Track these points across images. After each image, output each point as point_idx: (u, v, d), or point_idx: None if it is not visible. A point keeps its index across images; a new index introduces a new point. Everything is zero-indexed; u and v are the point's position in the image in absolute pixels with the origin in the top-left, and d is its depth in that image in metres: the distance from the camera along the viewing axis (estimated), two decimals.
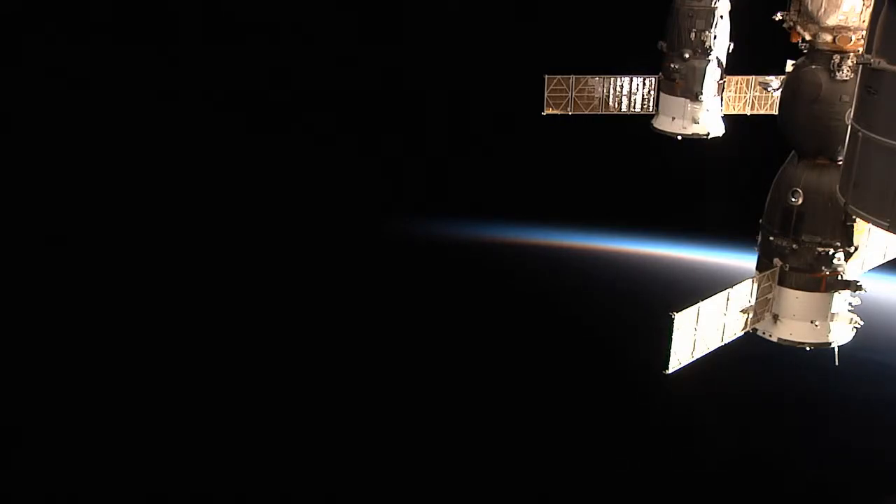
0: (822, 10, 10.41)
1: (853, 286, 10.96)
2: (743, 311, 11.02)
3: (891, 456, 25.28)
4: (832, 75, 10.47)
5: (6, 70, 27.60)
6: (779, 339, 11.29)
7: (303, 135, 30.53)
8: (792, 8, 10.80)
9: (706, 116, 14.98)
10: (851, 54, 10.39)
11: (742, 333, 11.24)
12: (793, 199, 10.76)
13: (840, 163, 9.90)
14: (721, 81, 14.98)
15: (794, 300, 11.08)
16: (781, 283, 11.11)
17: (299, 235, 30.49)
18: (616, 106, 15.51)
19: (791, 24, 10.82)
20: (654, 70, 15.24)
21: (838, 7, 10.37)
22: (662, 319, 10.30)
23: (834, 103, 10.44)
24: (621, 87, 15.43)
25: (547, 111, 15.34)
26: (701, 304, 10.50)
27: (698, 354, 10.75)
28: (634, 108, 15.55)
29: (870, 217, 8.36)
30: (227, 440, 26.14)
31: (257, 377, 27.63)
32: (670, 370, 10.54)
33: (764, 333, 11.39)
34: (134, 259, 29.20)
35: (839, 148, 10.17)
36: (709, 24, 14.36)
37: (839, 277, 10.89)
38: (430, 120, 30.50)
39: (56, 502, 24.80)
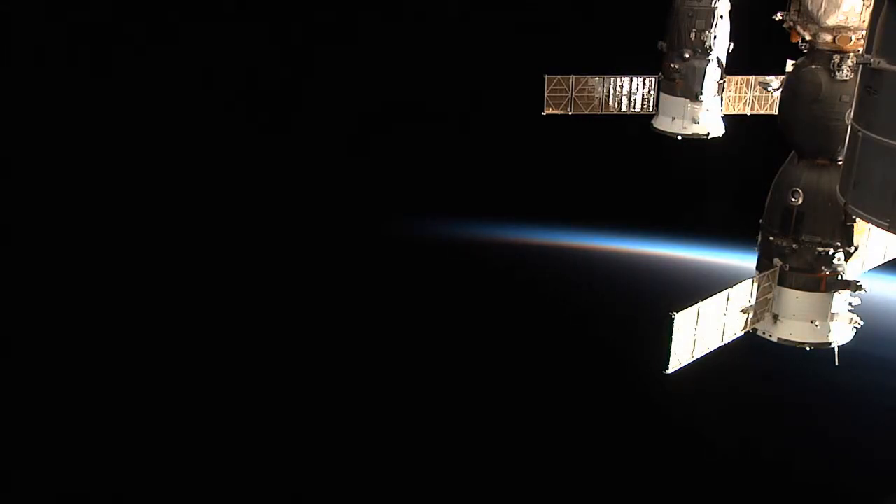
0: (822, 10, 10.41)
1: (853, 286, 10.96)
2: (743, 311, 11.02)
3: (891, 455, 25.27)
4: (832, 75, 10.48)
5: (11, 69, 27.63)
6: (779, 339, 11.30)
7: (302, 135, 30.53)
8: (792, 8, 10.81)
9: (706, 116, 14.98)
10: (851, 54, 10.39)
11: (742, 333, 11.24)
12: (793, 199, 10.76)
13: (840, 163, 9.90)
14: (721, 81, 14.97)
15: (794, 300, 11.08)
16: (781, 283, 11.11)
17: (300, 236, 30.50)
18: (616, 106, 15.50)
19: (791, 24, 10.83)
20: (654, 70, 15.24)
21: (838, 7, 10.37)
22: (662, 319, 10.30)
23: (834, 103, 10.45)
24: (621, 87, 15.42)
25: (547, 111, 15.33)
26: (701, 304, 10.50)
27: (698, 354, 10.75)
28: (634, 108, 15.54)
29: (870, 217, 8.37)
30: (227, 440, 26.14)
31: (258, 377, 27.64)
32: (670, 370, 10.55)
33: (764, 333, 11.39)
34: (135, 259, 29.20)
35: (839, 148, 10.18)
36: (709, 24, 14.36)
37: (839, 277, 10.89)
38: (431, 120, 30.49)
39: (57, 502, 24.83)
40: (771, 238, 11.13)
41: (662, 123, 15.33)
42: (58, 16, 28.12)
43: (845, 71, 10.40)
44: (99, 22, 28.43)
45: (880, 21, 7.96)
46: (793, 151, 11.15)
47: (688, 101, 14.84)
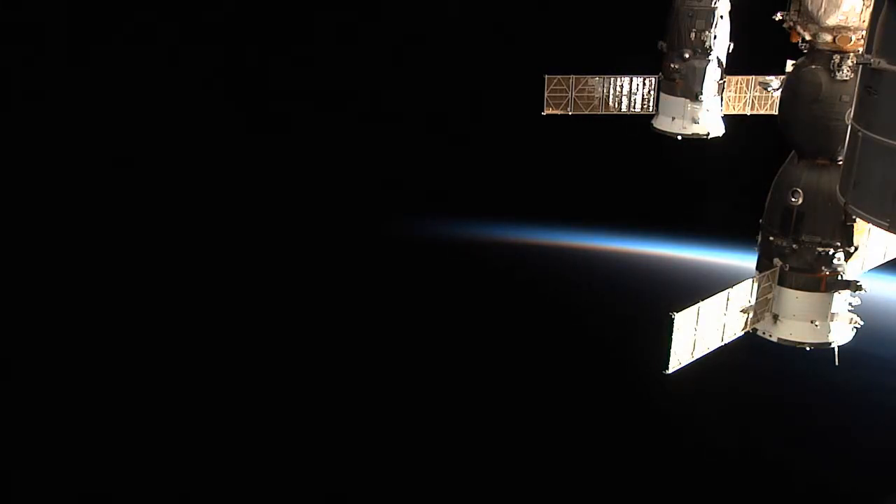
0: (822, 10, 10.41)
1: (853, 286, 10.96)
2: (743, 311, 11.02)
3: (891, 455, 25.28)
4: (832, 75, 10.47)
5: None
6: (779, 339, 11.30)
7: (302, 134, 30.53)
8: (792, 8, 10.81)
9: (706, 116, 14.98)
10: (851, 54, 10.39)
11: (742, 333, 11.24)
12: (793, 199, 10.76)
13: (840, 163, 9.90)
14: (721, 81, 14.98)
15: (794, 300, 11.08)
16: (781, 283, 11.11)
17: (300, 235, 30.50)
18: (616, 106, 15.50)
19: (791, 24, 10.83)
20: (654, 70, 15.24)
21: (838, 7, 10.38)
22: (662, 319, 10.30)
23: (834, 103, 10.45)
24: (621, 87, 15.43)
25: (547, 111, 15.34)
26: (701, 304, 10.50)
27: (698, 354, 10.75)
28: (634, 108, 15.55)
29: (870, 217, 8.36)
30: (226, 440, 26.13)
31: (257, 377, 27.63)
32: (670, 370, 10.54)
33: (764, 333, 11.39)
34: (135, 259, 29.20)
35: (839, 148, 10.18)
36: (709, 24, 14.37)
37: (839, 277, 10.89)
38: (431, 119, 30.49)
39: (56, 502, 24.83)
40: (771, 238, 11.13)
41: (662, 123, 15.33)
42: (58, 13, 28.13)
43: (845, 71, 10.40)
44: (100, 19, 28.45)
45: (880, 21, 7.96)
46: (793, 151, 11.15)
47: (688, 101, 14.84)
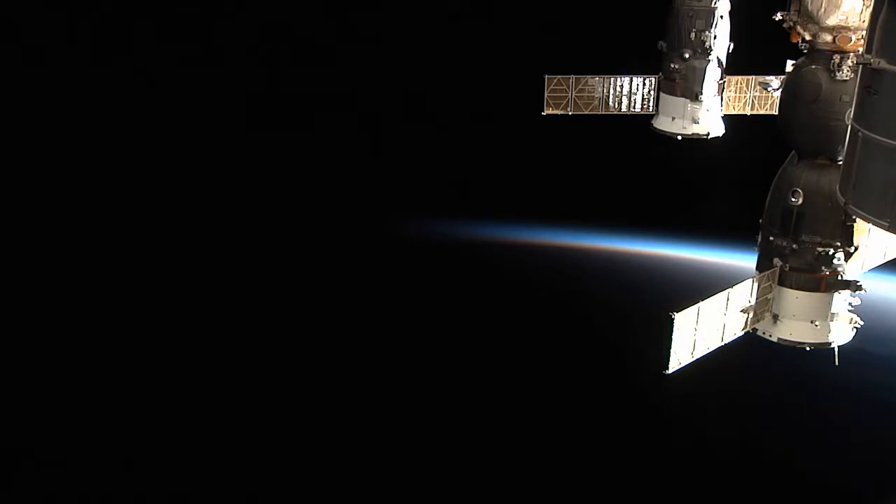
0: (822, 10, 10.42)
1: (853, 286, 10.97)
2: (743, 311, 11.02)
3: (891, 454, 25.28)
4: (832, 75, 10.48)
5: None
6: (779, 339, 11.30)
7: (303, 135, 30.54)
8: (792, 8, 10.81)
9: (706, 116, 14.99)
10: (851, 54, 10.39)
11: (742, 333, 11.24)
12: (793, 199, 10.76)
13: (840, 163, 9.91)
14: (721, 81, 15.00)
15: (794, 300, 11.09)
16: (781, 283, 11.11)
17: (300, 235, 30.51)
18: (616, 106, 15.52)
19: (791, 24, 10.83)
20: (654, 70, 15.25)
21: (838, 7, 10.38)
22: (662, 319, 10.30)
23: (834, 103, 10.45)
24: (621, 87, 15.44)
25: (547, 111, 15.36)
26: (701, 304, 10.50)
27: (698, 354, 10.76)
28: (634, 108, 15.56)
29: (870, 217, 8.37)
30: (226, 440, 26.14)
31: (257, 377, 27.64)
32: (670, 370, 10.55)
33: (764, 333, 11.39)
34: (135, 259, 29.21)
35: (839, 148, 10.18)
36: (709, 24, 14.38)
37: (839, 277, 10.90)
38: (431, 120, 30.49)
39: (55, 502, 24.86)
40: (771, 238, 11.14)
41: (662, 123, 15.35)
42: (60, 12, 28.13)
43: (845, 71, 10.40)
44: (107, 18, 28.46)
45: (880, 21, 7.96)
46: (793, 151, 11.16)
47: (688, 101, 14.86)
